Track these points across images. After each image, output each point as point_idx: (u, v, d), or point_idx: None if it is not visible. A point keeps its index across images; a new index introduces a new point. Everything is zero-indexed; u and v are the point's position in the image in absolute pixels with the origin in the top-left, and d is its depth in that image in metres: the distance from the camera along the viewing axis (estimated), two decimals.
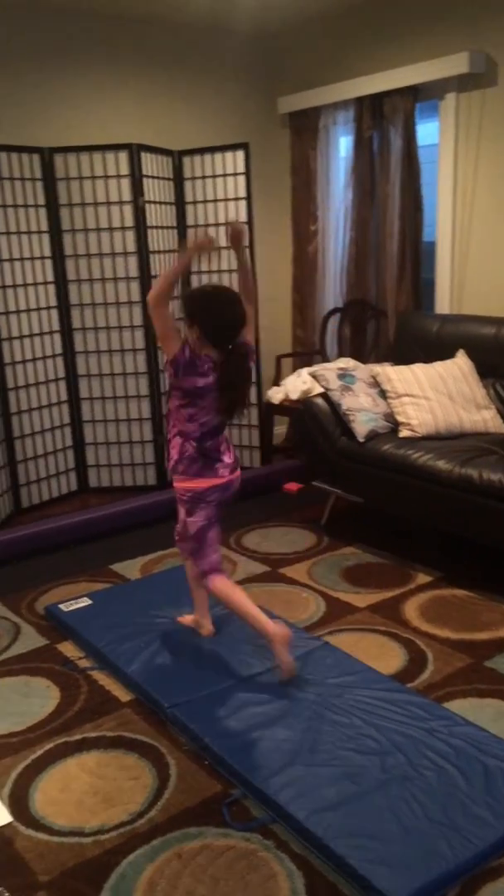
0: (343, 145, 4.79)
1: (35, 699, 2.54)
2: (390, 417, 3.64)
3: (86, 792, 2.11)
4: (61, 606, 3.06)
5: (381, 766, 2.09)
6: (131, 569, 3.50)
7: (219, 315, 2.44)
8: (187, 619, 2.91)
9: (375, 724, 2.27)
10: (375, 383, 3.75)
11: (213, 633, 2.82)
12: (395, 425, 3.62)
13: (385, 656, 2.69)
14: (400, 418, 3.59)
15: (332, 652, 2.67)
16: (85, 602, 3.09)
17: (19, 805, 2.07)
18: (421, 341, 4.02)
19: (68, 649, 2.84)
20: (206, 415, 2.51)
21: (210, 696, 2.44)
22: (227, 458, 2.59)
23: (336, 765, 2.11)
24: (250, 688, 2.48)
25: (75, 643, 2.87)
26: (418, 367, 3.71)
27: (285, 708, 2.37)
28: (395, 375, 3.68)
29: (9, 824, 2.00)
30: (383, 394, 3.71)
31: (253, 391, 4.57)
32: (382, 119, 4.41)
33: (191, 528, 2.62)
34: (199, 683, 2.50)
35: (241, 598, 2.55)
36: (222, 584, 2.59)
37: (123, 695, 2.54)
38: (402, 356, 4.02)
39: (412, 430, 3.52)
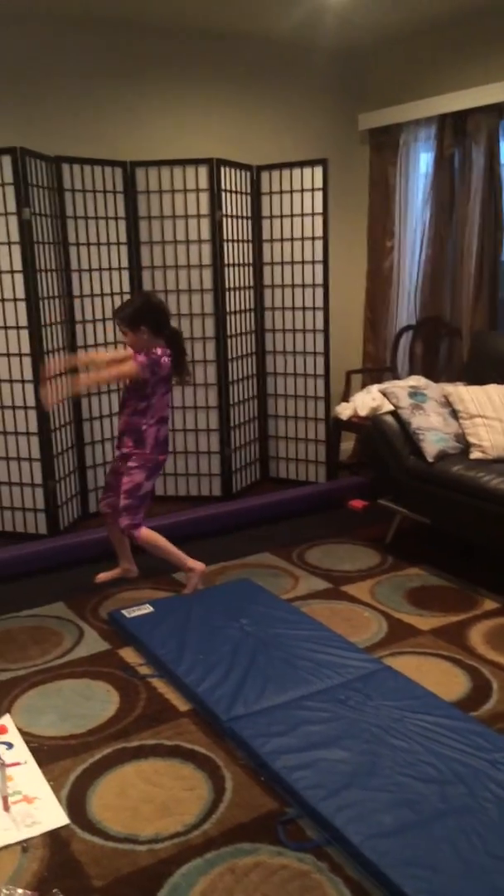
0: (423, 162, 4.76)
1: (95, 703, 2.57)
2: (461, 438, 3.58)
3: (142, 799, 2.12)
4: (124, 612, 3.10)
5: (440, 796, 2.05)
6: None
7: (157, 309, 3.16)
8: (111, 573, 3.48)
9: (436, 751, 2.22)
10: (447, 403, 3.69)
11: (137, 573, 3.47)
12: (465, 446, 3.56)
13: (448, 682, 2.64)
14: (471, 439, 3.52)
15: (394, 675, 2.62)
16: (147, 609, 3.12)
17: (76, 808, 2.09)
18: (496, 362, 3.94)
19: (129, 655, 2.87)
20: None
21: (267, 711, 2.43)
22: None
23: (394, 790, 2.07)
24: (308, 705, 2.45)
25: (136, 649, 2.90)
26: (492, 388, 3.65)
27: (344, 728, 2.34)
28: (467, 395, 3.62)
29: (66, 826, 2.03)
30: (455, 414, 3.65)
31: (321, 406, 4.60)
32: (465, 137, 4.36)
33: (145, 488, 3.25)
34: (256, 698, 2.49)
35: (164, 542, 3.28)
36: (148, 533, 3.27)
37: (181, 704, 2.55)
38: (476, 376, 3.95)
39: (483, 452, 3.46)
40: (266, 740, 2.27)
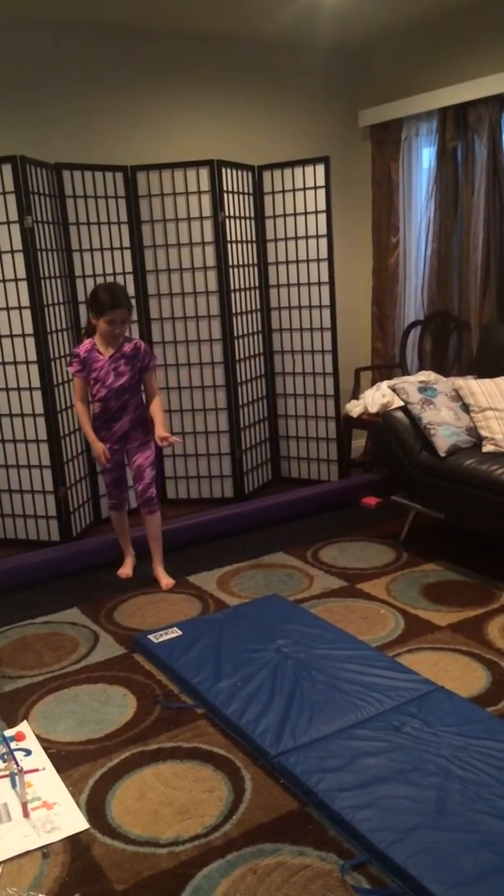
0: (426, 157, 4.74)
1: (113, 707, 2.56)
2: (473, 432, 3.55)
3: (161, 802, 2.10)
4: (150, 637, 2.92)
5: None
6: (208, 580, 3.51)
7: None
8: (129, 567, 3.60)
9: None
10: (458, 397, 3.66)
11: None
12: (478, 440, 3.53)
13: (467, 677, 2.61)
14: (483, 433, 3.50)
15: (449, 697, 2.43)
16: (175, 633, 2.94)
17: (96, 812, 2.08)
18: None
19: (147, 664, 2.85)
20: None
21: (319, 743, 2.24)
22: None
23: (470, 830, 1.87)
24: (362, 735, 2.27)
25: (166, 675, 2.73)
26: (503, 381, 3.61)
27: (404, 760, 2.15)
28: (478, 389, 3.59)
29: (86, 831, 2.01)
30: (466, 407, 3.62)
31: (331, 404, 4.58)
32: (467, 129, 4.34)
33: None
34: (305, 728, 2.31)
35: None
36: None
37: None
38: (486, 369, 3.93)
39: (496, 445, 3.43)
40: (321, 777, 2.08)
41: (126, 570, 3.59)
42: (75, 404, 3.44)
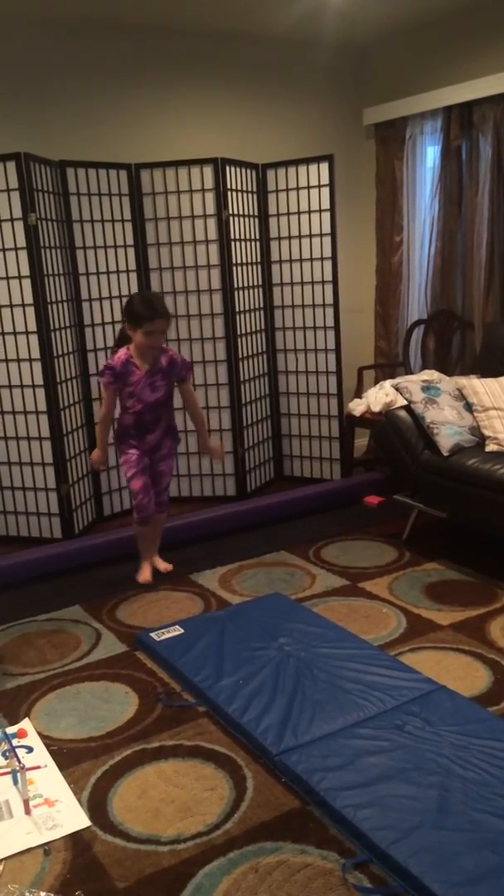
0: (430, 155, 4.73)
1: (115, 705, 2.56)
2: (476, 431, 3.55)
3: (163, 800, 2.10)
4: (152, 635, 2.92)
5: None
6: (210, 579, 3.51)
7: None
8: (149, 570, 3.50)
9: None
10: (461, 396, 3.66)
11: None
12: (481, 439, 3.53)
13: (469, 677, 2.61)
14: (486, 432, 3.49)
15: (451, 696, 2.43)
16: (177, 631, 2.94)
17: (98, 810, 2.08)
18: None
19: (149, 661, 2.85)
20: None
21: (320, 741, 2.24)
22: None
23: (471, 829, 1.87)
24: (364, 734, 2.27)
25: (168, 674, 2.73)
26: None
27: (406, 759, 2.15)
28: (481, 388, 3.59)
29: (88, 828, 2.02)
30: (469, 407, 3.62)
31: (334, 403, 4.57)
32: (471, 128, 4.34)
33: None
34: (307, 727, 2.31)
35: None
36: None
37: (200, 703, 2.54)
38: (489, 368, 3.92)
39: (499, 445, 3.42)
40: (323, 775, 2.08)
41: (146, 575, 3.48)
42: (102, 412, 3.31)
